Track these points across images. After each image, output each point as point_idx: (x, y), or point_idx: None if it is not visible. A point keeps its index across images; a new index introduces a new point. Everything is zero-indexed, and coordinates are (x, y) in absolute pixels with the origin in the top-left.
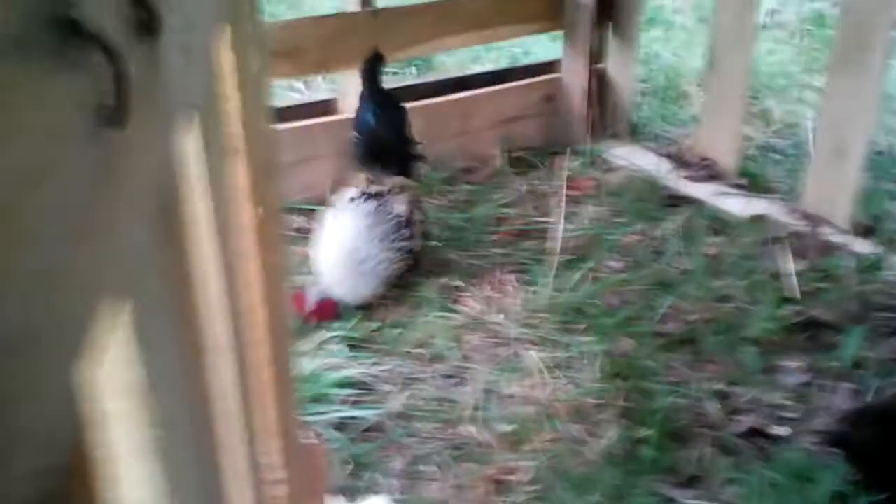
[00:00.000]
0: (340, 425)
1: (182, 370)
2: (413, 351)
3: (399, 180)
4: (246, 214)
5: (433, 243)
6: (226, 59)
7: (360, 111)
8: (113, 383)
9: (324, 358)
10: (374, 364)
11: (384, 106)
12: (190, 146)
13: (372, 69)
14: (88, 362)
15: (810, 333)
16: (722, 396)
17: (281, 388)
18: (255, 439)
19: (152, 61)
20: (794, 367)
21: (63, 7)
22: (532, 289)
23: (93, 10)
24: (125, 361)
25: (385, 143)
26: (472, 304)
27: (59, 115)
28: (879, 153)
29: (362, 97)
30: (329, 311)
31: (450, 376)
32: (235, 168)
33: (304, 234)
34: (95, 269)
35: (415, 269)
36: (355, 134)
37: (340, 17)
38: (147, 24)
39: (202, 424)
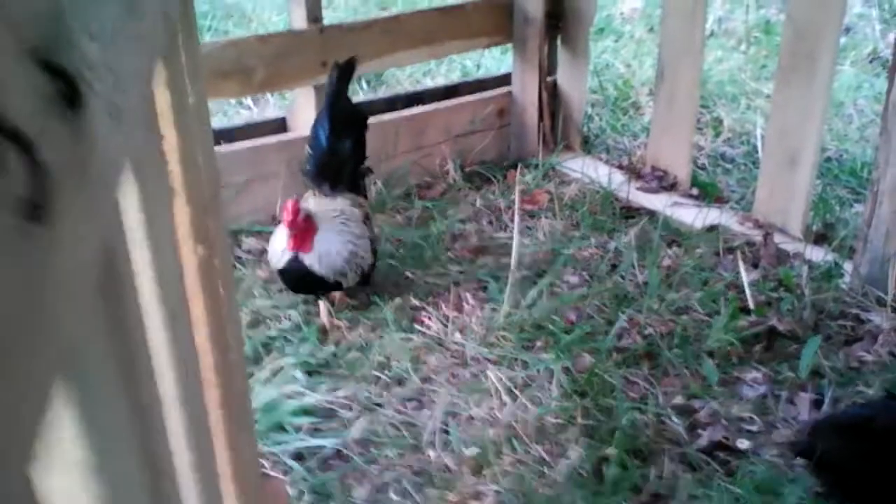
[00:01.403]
0: (300, 455)
1: (130, 434)
2: (372, 374)
3: (349, 197)
4: (187, 255)
5: (390, 262)
6: (161, 98)
7: (314, 125)
8: (59, 460)
9: (281, 385)
10: (333, 390)
11: (343, 120)
12: (125, 200)
13: (343, 78)
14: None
15: (767, 343)
16: (683, 411)
17: (235, 429)
18: (211, 485)
19: (77, 134)
20: (752, 379)
21: None
22: (490, 306)
23: (6, 98)
24: (71, 438)
25: (336, 159)
26: (430, 324)
27: None
28: (829, 160)
29: (321, 110)
30: (309, 235)
31: (410, 399)
32: (174, 209)
33: (254, 256)
34: (38, 363)
35: (365, 286)
36: (308, 149)
37: (287, 35)
38: (69, 97)
39: (155, 483)
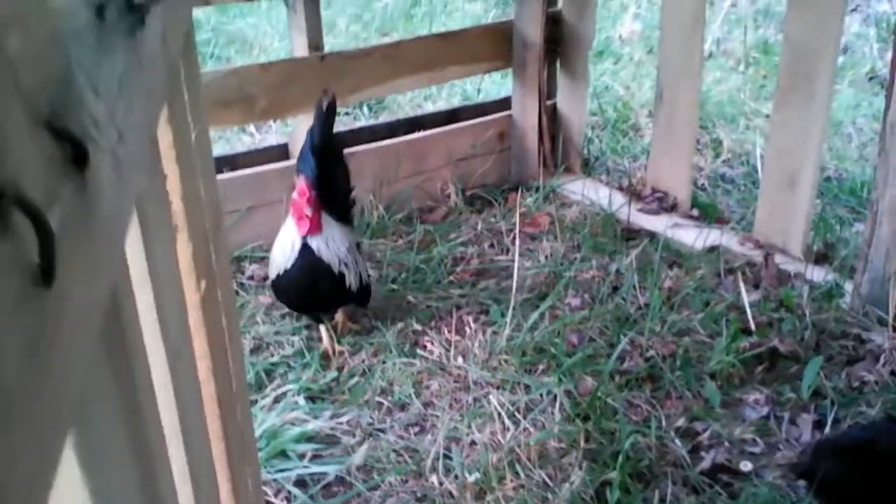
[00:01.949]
0: (302, 482)
1: (132, 472)
2: (374, 400)
3: (341, 228)
4: (190, 290)
5: (392, 286)
6: (163, 137)
7: (300, 163)
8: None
9: (283, 412)
10: (335, 416)
11: (328, 155)
12: (128, 240)
13: (329, 117)
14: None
15: (769, 364)
16: (685, 433)
17: (236, 459)
18: None
19: (83, 192)
20: (754, 400)
21: None
22: (492, 329)
23: (18, 169)
24: (73, 481)
25: (326, 193)
26: (432, 348)
27: None
28: (828, 179)
29: (303, 148)
30: (318, 216)
31: (413, 425)
32: (177, 244)
33: (257, 282)
34: (46, 418)
35: (364, 306)
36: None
37: (288, 63)
38: (76, 159)
39: None
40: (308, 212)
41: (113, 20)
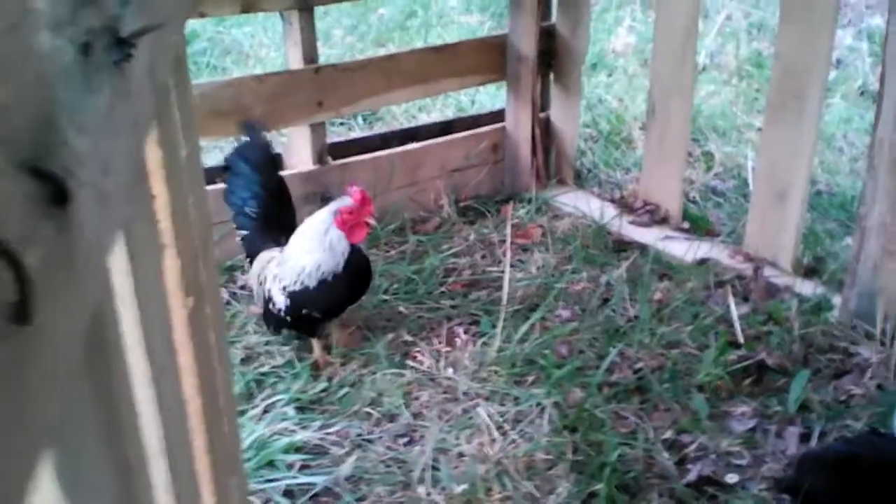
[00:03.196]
0: (290, 492)
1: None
2: (364, 411)
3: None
4: (176, 307)
5: (383, 297)
6: (152, 157)
7: (236, 193)
8: None
9: (272, 422)
10: (325, 426)
11: (270, 169)
12: (114, 262)
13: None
14: None
15: (756, 377)
16: (672, 445)
17: (222, 474)
18: None
19: (64, 228)
20: (741, 413)
21: None
22: (482, 340)
23: None
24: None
25: (280, 209)
26: (422, 359)
27: None
28: (819, 193)
29: (231, 179)
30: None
31: (401, 436)
32: (164, 262)
33: (248, 292)
34: (21, 442)
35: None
36: (239, 216)
37: (283, 75)
38: (56, 197)
39: None
40: (371, 221)
41: (99, 57)
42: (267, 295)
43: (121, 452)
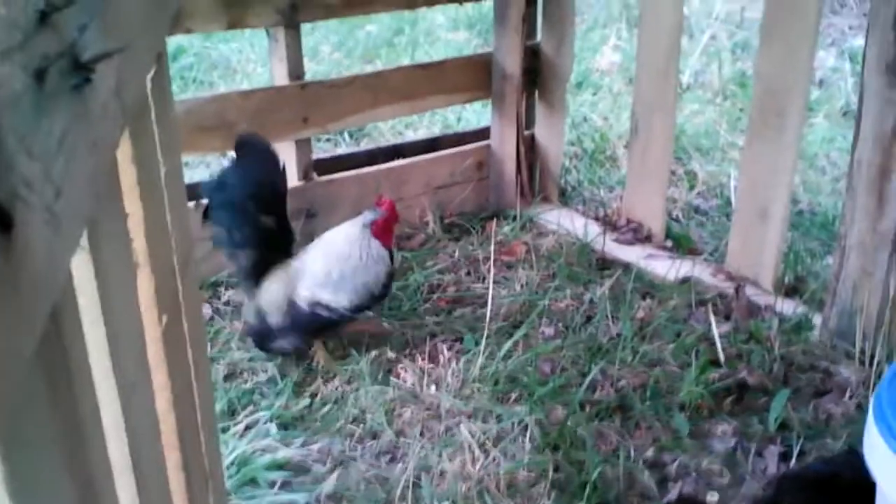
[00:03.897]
0: None
1: None
2: (347, 428)
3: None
4: (150, 324)
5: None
6: (127, 175)
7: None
8: None
9: (254, 439)
10: (307, 443)
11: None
12: (80, 277)
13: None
14: None
15: (737, 396)
16: (653, 464)
17: (197, 491)
18: None
19: (7, 254)
20: (722, 432)
21: None
22: (466, 357)
23: None
24: None
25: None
26: (405, 376)
27: None
28: (801, 212)
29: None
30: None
31: (384, 453)
32: (138, 280)
33: (233, 307)
34: None
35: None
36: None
37: (269, 91)
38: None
39: None
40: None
41: (55, 82)
42: (309, 308)
43: (83, 466)
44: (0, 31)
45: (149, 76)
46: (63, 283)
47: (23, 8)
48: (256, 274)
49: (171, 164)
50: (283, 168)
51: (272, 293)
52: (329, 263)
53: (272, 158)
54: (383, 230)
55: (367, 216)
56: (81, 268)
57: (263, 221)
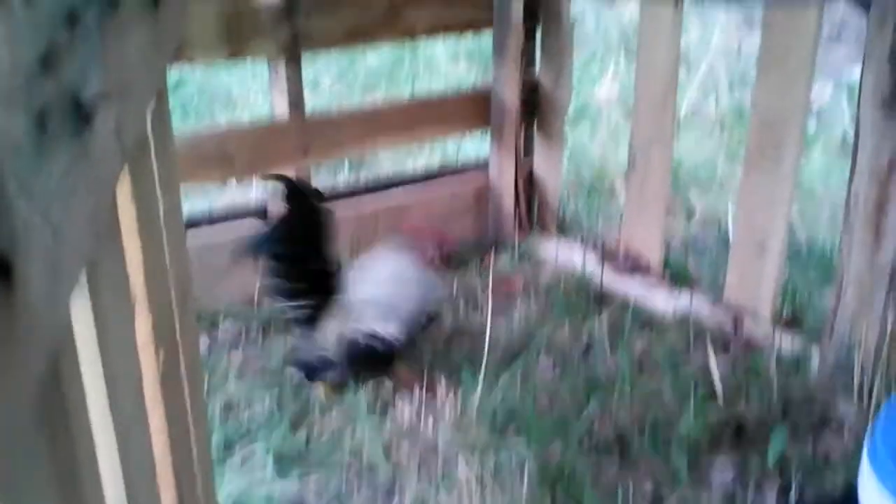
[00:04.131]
0: None
1: None
2: (344, 462)
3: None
4: (148, 360)
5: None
6: (126, 214)
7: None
8: None
9: (251, 474)
10: (304, 478)
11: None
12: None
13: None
14: None
15: (736, 432)
16: (651, 500)
17: None
18: None
19: (5, 297)
20: (721, 468)
21: None
22: (464, 391)
23: None
24: None
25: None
26: (403, 409)
27: None
28: (800, 245)
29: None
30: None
31: (381, 488)
32: (136, 316)
33: (232, 337)
34: None
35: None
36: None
37: (269, 123)
38: None
39: None
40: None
41: (55, 126)
42: (362, 339)
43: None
44: (2, 75)
45: (149, 113)
46: (63, 327)
47: (25, 51)
48: (312, 315)
49: (170, 200)
50: (328, 212)
51: (328, 330)
52: (380, 294)
53: (318, 204)
54: (431, 257)
55: (409, 246)
56: (79, 308)
57: (314, 266)
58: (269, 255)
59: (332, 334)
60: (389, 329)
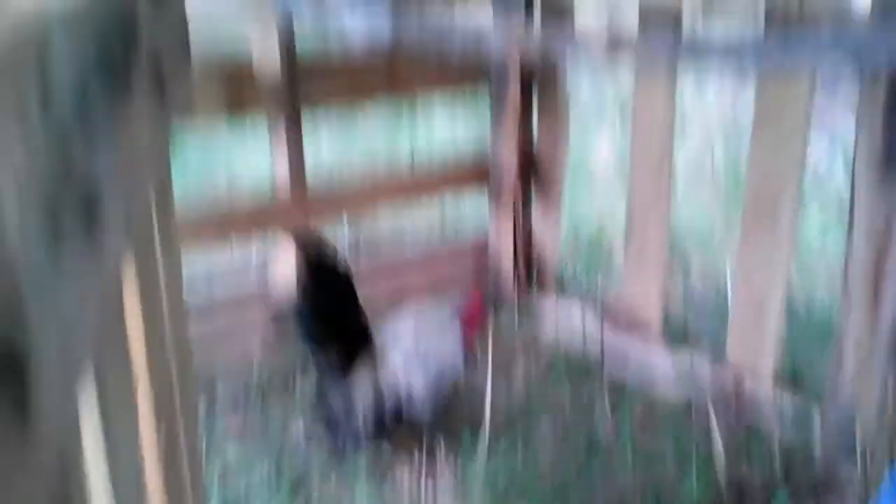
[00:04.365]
0: None
1: None
2: None
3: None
4: (148, 434)
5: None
6: (129, 295)
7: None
8: None
9: None
10: None
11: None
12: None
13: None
14: None
15: (738, 494)
16: None
17: None
18: None
19: (20, 418)
20: None
21: None
22: (464, 455)
23: None
24: None
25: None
26: (403, 476)
27: None
28: (799, 304)
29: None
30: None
31: None
32: (137, 392)
33: (230, 402)
34: None
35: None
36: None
37: (271, 195)
38: (16, 396)
39: None
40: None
41: (68, 225)
42: (392, 398)
43: None
44: (19, 178)
45: (153, 192)
46: (74, 421)
47: (41, 154)
48: (345, 374)
49: (172, 276)
50: (350, 271)
51: (360, 389)
52: (412, 352)
53: (340, 267)
54: (471, 321)
55: (453, 304)
56: (85, 404)
57: (345, 326)
58: (307, 323)
59: (363, 393)
60: (419, 389)
